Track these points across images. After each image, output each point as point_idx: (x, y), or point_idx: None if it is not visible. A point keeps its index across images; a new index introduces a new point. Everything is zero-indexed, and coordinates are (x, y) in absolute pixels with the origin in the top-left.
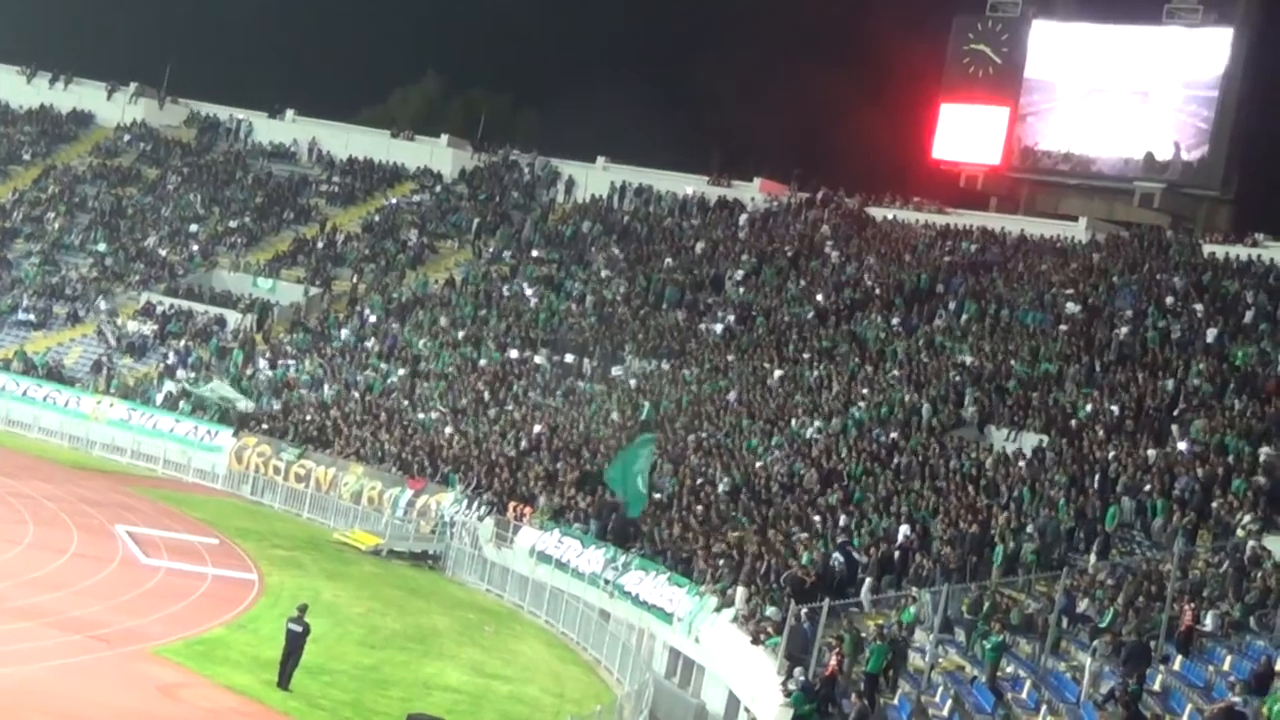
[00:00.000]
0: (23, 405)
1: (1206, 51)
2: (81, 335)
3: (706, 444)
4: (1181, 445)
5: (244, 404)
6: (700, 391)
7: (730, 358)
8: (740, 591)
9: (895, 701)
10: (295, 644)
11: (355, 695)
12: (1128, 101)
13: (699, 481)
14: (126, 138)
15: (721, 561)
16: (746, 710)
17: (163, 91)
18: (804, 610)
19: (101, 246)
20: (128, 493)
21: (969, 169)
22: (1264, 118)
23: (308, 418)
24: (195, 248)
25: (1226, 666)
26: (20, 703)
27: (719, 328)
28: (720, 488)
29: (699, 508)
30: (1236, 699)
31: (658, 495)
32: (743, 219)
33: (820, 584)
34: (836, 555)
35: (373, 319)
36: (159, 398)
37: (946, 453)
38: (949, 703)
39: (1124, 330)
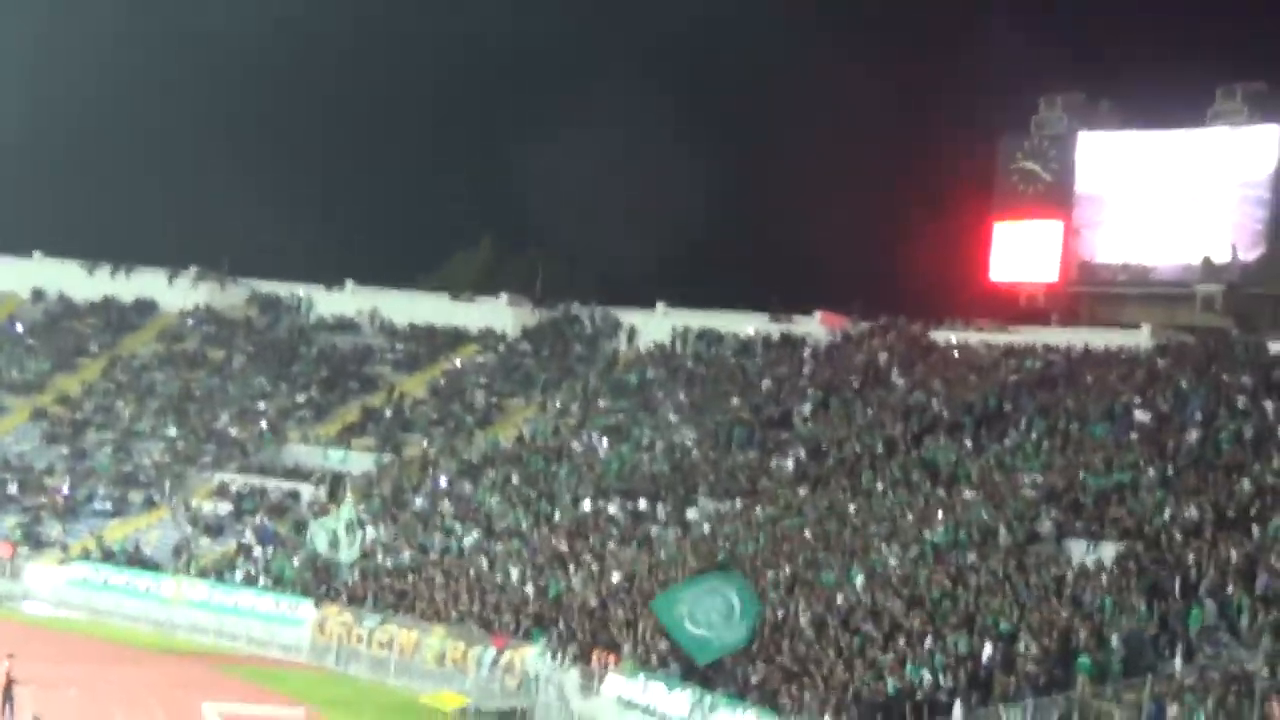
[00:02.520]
0: (104, 593)
1: (1255, 150)
2: (158, 519)
3: (785, 580)
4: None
5: (345, 546)
6: (776, 529)
7: (803, 492)
8: None
9: None
10: None
11: None
12: (1181, 206)
13: (781, 616)
14: (190, 322)
15: (808, 694)
16: None
17: (224, 273)
18: None
19: (172, 431)
20: (213, 672)
21: (1027, 288)
22: None
23: (387, 583)
24: (264, 425)
25: None
26: None
27: (790, 463)
28: (803, 621)
29: (783, 642)
30: None
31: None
32: (806, 353)
33: (907, 708)
34: (923, 674)
35: (444, 483)
36: (239, 575)
37: (1025, 569)
38: None
39: (1195, 434)
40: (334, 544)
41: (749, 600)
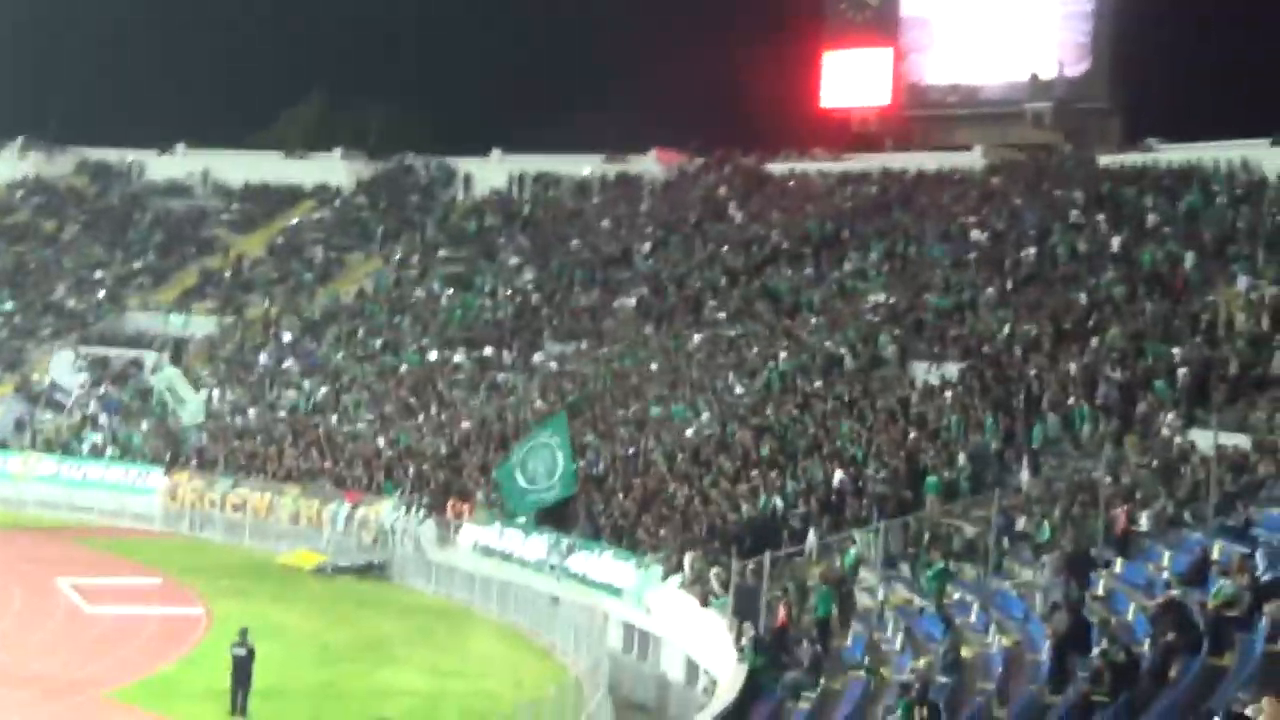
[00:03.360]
0: None
1: None
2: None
3: (634, 417)
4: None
5: (192, 403)
6: (622, 366)
7: (648, 329)
8: (687, 556)
9: (849, 643)
10: (242, 669)
11: (313, 712)
12: (1006, 25)
13: (631, 452)
14: (19, 193)
15: (663, 530)
16: (706, 673)
17: (51, 142)
18: (749, 565)
19: (8, 305)
20: (65, 545)
21: (860, 113)
22: (1141, 24)
23: (236, 446)
24: (102, 294)
25: (1165, 562)
26: None
27: (632, 301)
28: (654, 457)
29: (635, 480)
30: (1175, 592)
31: (593, 471)
32: (644, 192)
33: (760, 536)
34: (776, 501)
35: (289, 339)
36: (85, 447)
37: (871, 393)
38: (900, 636)
39: (1031, 250)
40: (175, 404)
41: (568, 456)
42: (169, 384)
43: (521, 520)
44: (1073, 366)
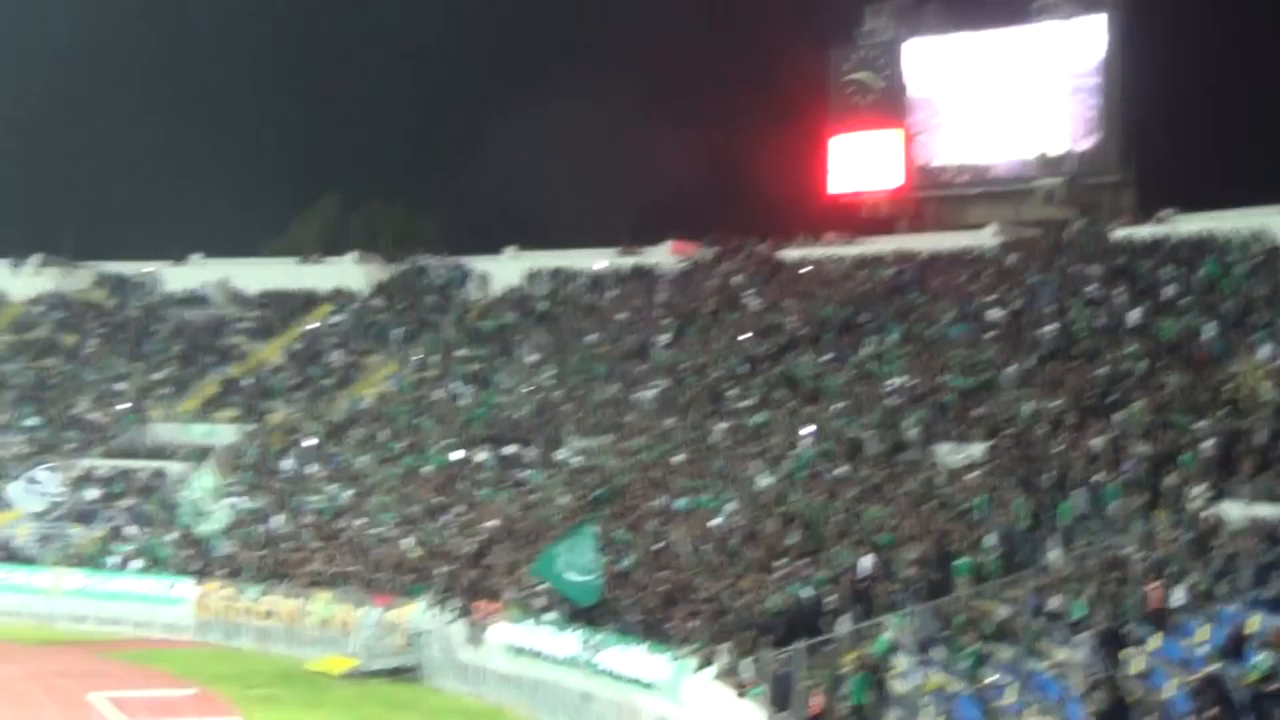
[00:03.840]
0: None
1: (1083, 40)
2: (28, 513)
3: (661, 509)
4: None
5: (214, 518)
6: (646, 459)
7: (670, 421)
8: (719, 648)
9: None
10: None
11: None
12: (1014, 103)
13: (658, 546)
14: (39, 309)
15: (694, 622)
16: None
17: (69, 257)
18: (782, 655)
19: (32, 421)
20: (98, 659)
21: (870, 197)
22: (1151, 95)
23: (264, 553)
24: (124, 406)
25: (1203, 636)
26: None
27: (653, 394)
28: (682, 549)
29: (664, 572)
30: (1214, 667)
31: (620, 566)
32: (659, 283)
33: (792, 625)
34: (804, 592)
35: (312, 444)
36: (112, 560)
37: (896, 477)
38: None
39: (1050, 327)
40: (198, 515)
41: (597, 554)
42: (204, 490)
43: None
44: (1098, 442)
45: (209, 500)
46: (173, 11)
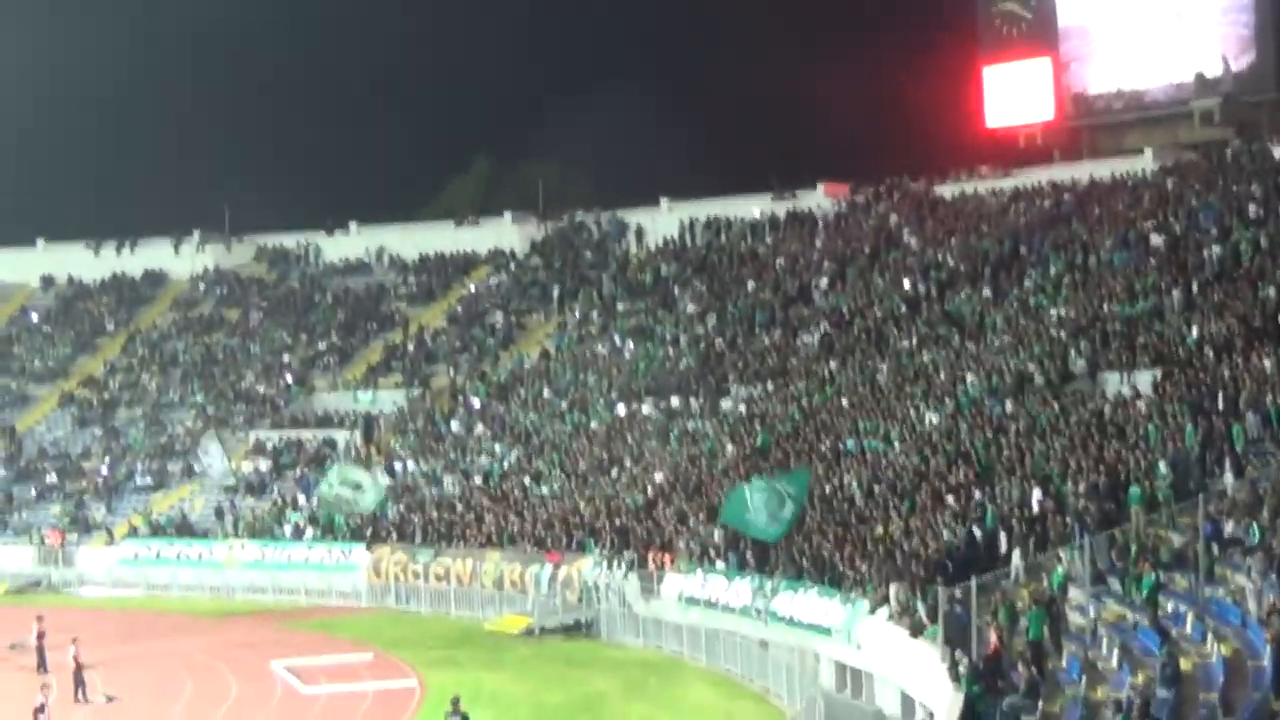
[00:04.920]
0: (159, 567)
1: None
2: (200, 487)
3: (828, 453)
4: None
5: (369, 488)
6: (811, 404)
7: (833, 364)
8: (892, 588)
9: (1064, 664)
10: None
11: None
12: (1166, 25)
13: (829, 489)
14: (202, 286)
15: (866, 564)
16: (922, 706)
17: (226, 233)
18: (955, 593)
19: (200, 396)
20: (276, 629)
21: (1025, 128)
22: None
23: (435, 516)
24: (290, 378)
25: None
26: None
27: (815, 338)
28: (852, 491)
29: (836, 516)
30: None
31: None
32: (816, 227)
33: (965, 562)
34: (975, 530)
35: (477, 405)
36: (287, 530)
37: (1064, 409)
38: (1116, 653)
39: (1213, 249)
40: (350, 501)
41: (795, 510)
42: (343, 478)
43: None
44: (1267, 364)
45: (354, 477)
46: None
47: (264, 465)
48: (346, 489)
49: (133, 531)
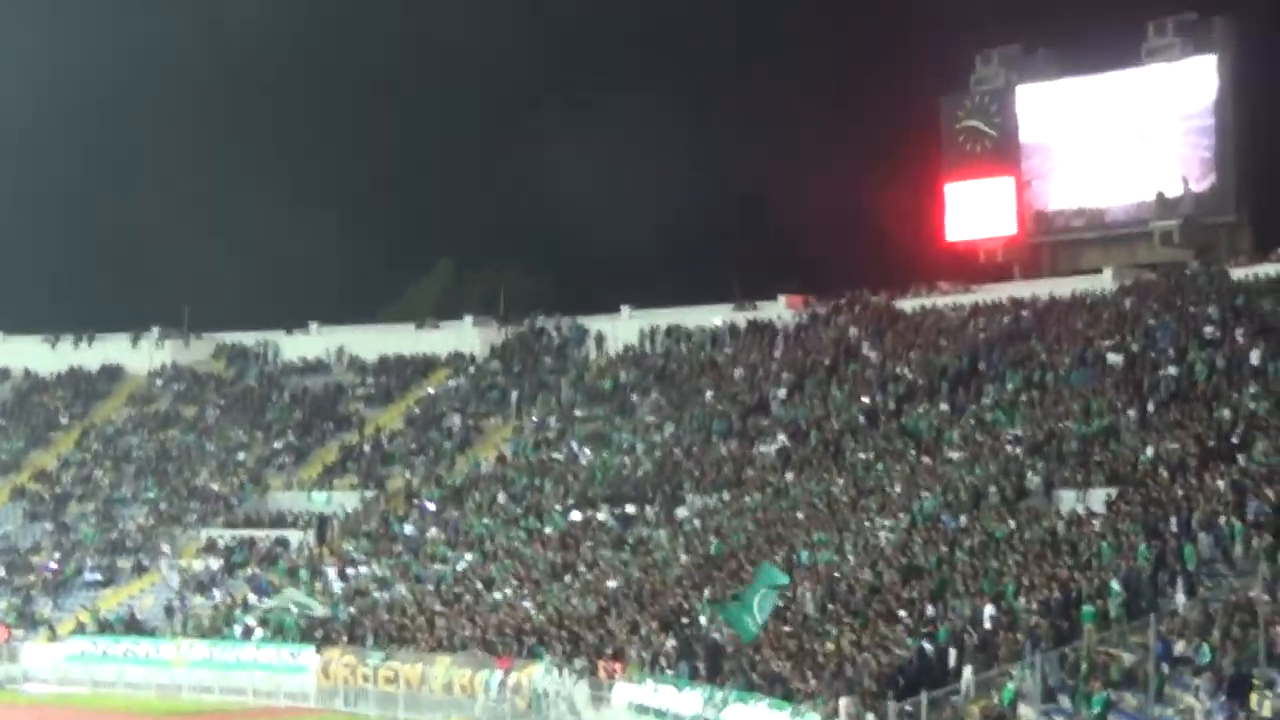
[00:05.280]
0: (104, 664)
1: (1194, 82)
2: (150, 584)
3: (782, 565)
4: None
5: (319, 610)
6: (767, 516)
7: (789, 475)
8: (843, 702)
9: None
10: None
11: None
12: (1128, 146)
13: (783, 602)
14: (159, 382)
15: (817, 677)
16: None
17: (185, 329)
18: (906, 708)
19: (153, 493)
20: None
21: (986, 244)
22: (1265, 134)
23: (386, 619)
24: (244, 476)
25: None
26: None
27: (772, 449)
28: (805, 604)
29: (786, 628)
30: None
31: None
32: (776, 338)
33: (916, 678)
34: (926, 645)
35: (432, 508)
36: (237, 630)
37: (1018, 525)
38: None
39: (1170, 370)
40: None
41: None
42: (295, 600)
43: (671, 643)
44: (1221, 484)
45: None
46: (285, 83)
47: (215, 564)
48: (295, 608)
49: (80, 628)
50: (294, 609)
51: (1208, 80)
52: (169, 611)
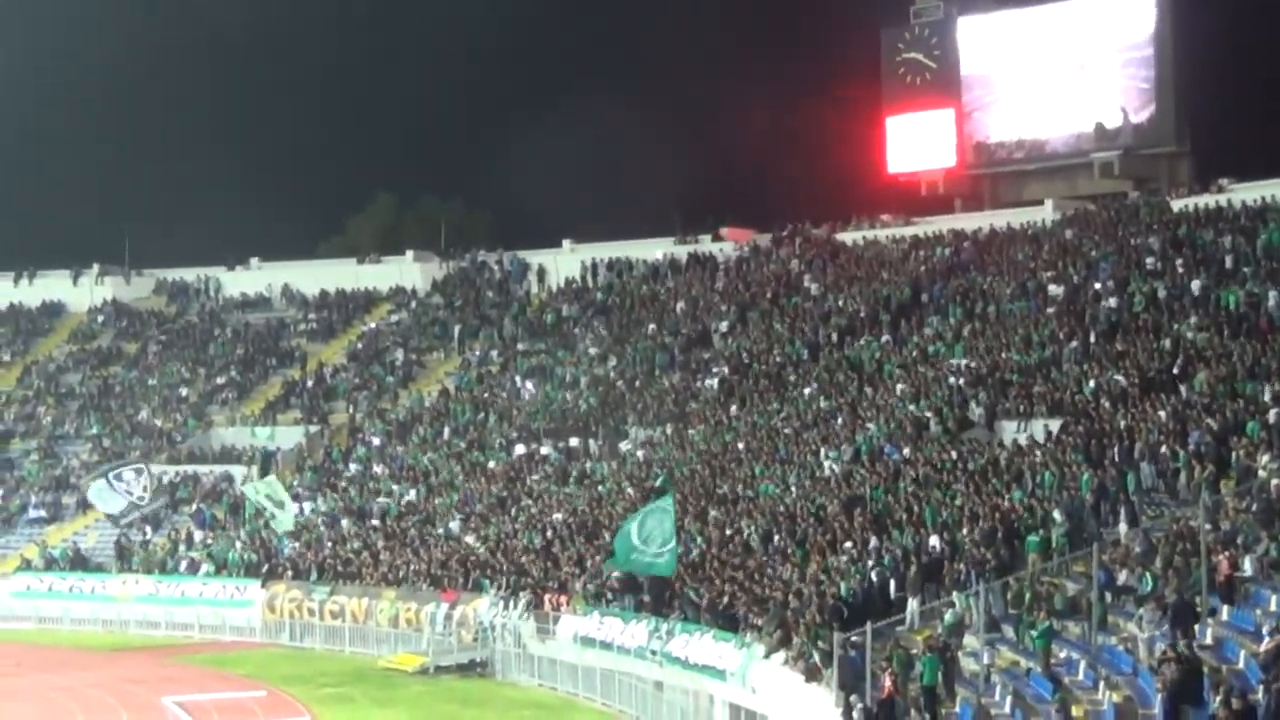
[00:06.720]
0: (51, 600)
1: (1133, 13)
2: (95, 520)
3: (727, 497)
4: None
5: (288, 511)
6: (710, 447)
7: (733, 409)
8: (788, 633)
9: (956, 709)
10: None
11: None
12: (1067, 77)
13: (727, 534)
14: (100, 318)
15: (763, 608)
16: None
17: (126, 266)
18: (850, 638)
19: (96, 429)
20: (169, 664)
21: (927, 176)
22: (1203, 64)
23: (331, 553)
24: (188, 412)
25: (1273, 606)
26: None
27: (715, 382)
28: (749, 536)
29: (733, 560)
30: None
31: (692, 552)
32: (717, 271)
33: (861, 608)
34: (871, 576)
35: (376, 443)
36: (182, 565)
37: (961, 456)
38: (1009, 699)
39: (1111, 301)
40: (268, 513)
41: (672, 533)
42: (268, 491)
43: (616, 574)
44: (1163, 415)
45: (278, 496)
46: (222, 20)
47: (160, 500)
48: (270, 502)
49: (25, 564)
50: (267, 503)
51: (1146, 11)
52: (121, 549)
